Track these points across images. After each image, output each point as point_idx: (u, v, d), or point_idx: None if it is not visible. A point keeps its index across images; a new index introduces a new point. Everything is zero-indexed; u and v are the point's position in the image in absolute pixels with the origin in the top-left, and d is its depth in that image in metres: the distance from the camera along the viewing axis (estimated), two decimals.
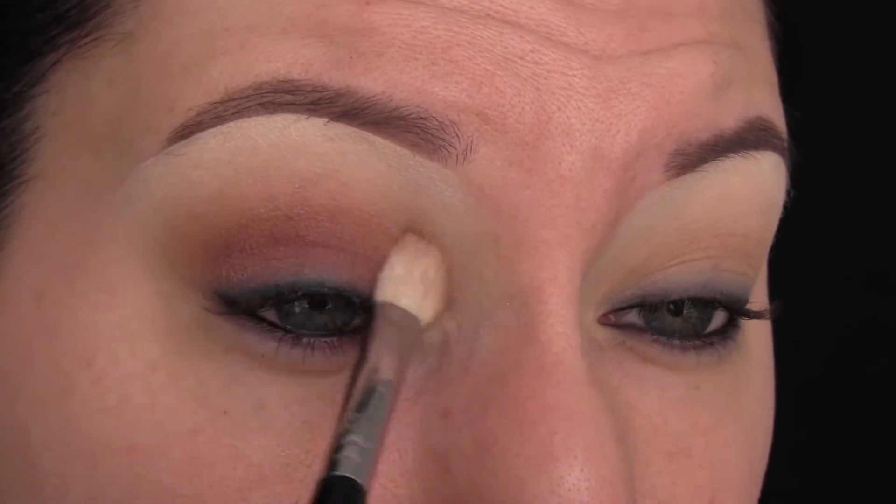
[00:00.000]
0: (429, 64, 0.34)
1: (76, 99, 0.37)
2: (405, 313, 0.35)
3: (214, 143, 0.35)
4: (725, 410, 0.40)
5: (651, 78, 0.36)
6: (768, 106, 0.39)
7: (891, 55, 0.71)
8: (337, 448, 0.33)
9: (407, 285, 0.35)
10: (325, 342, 0.35)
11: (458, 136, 0.34)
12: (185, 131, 0.35)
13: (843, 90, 0.70)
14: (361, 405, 0.34)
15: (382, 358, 0.34)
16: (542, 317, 0.35)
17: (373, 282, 0.35)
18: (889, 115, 0.71)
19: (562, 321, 0.35)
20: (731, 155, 0.38)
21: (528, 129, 0.35)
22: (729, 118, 0.37)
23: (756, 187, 0.39)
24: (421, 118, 0.34)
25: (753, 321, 0.42)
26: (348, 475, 0.32)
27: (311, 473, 0.35)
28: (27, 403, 0.37)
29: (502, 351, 0.35)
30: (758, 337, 0.43)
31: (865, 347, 0.72)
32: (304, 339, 0.35)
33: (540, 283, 0.35)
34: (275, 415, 0.35)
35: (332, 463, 0.33)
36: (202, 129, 0.35)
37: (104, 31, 0.36)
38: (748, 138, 0.38)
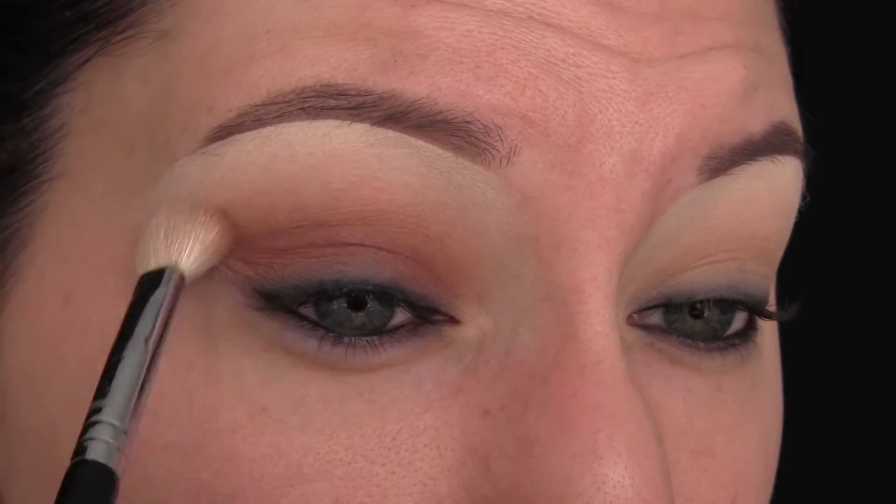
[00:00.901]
0: (473, 67, 0.34)
1: (106, 97, 0.37)
2: (153, 274, 0.34)
3: (252, 147, 0.34)
4: (745, 410, 0.41)
5: (687, 82, 0.36)
6: (789, 110, 0.40)
7: (892, 56, 0.72)
8: (84, 429, 0.32)
9: (146, 249, 0.35)
10: (366, 341, 0.35)
11: (501, 139, 0.34)
12: (224, 132, 0.35)
13: (843, 92, 0.71)
14: (105, 381, 0.33)
15: (130, 334, 0.33)
16: (582, 316, 0.35)
17: (414, 280, 0.35)
18: (888, 116, 0.72)
19: (601, 321, 0.35)
20: (759, 159, 0.38)
21: (571, 131, 0.35)
22: (756, 123, 0.38)
23: (779, 191, 0.39)
24: (466, 122, 0.34)
25: (765, 323, 0.42)
26: (97, 459, 0.31)
27: (351, 471, 0.35)
28: (58, 404, 0.37)
29: (542, 350, 0.35)
30: (769, 338, 0.43)
31: (866, 348, 0.73)
32: (346, 339, 0.35)
33: (579, 284, 0.35)
34: (315, 412, 0.35)
35: (79, 447, 0.31)
36: (241, 132, 0.34)
37: (139, 29, 0.36)
38: (774, 142, 0.39)
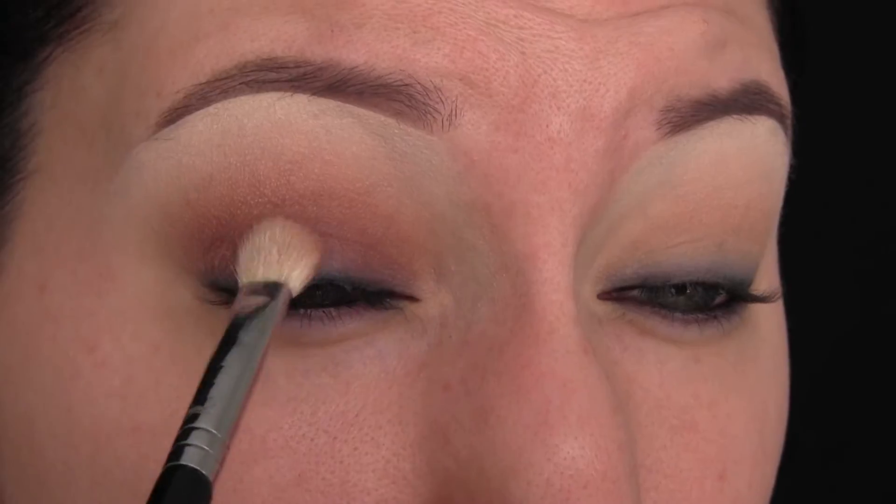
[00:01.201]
0: (410, 32, 0.34)
1: (70, 92, 0.37)
2: (266, 286, 0.34)
3: (203, 126, 0.35)
4: (729, 384, 0.39)
5: (639, 37, 0.36)
6: (765, 71, 0.39)
7: (893, 54, 0.71)
8: (182, 435, 0.32)
9: (255, 260, 0.34)
10: (322, 311, 0.35)
11: (441, 101, 0.34)
12: (174, 115, 0.35)
13: (850, 91, 0.70)
14: (205, 387, 0.32)
15: (233, 345, 0.33)
16: (538, 285, 0.35)
17: (364, 267, 0.35)
18: (888, 116, 0.71)
19: (556, 288, 0.35)
20: (726, 117, 0.37)
21: (514, 92, 0.35)
22: (722, 79, 0.37)
23: (753, 153, 0.38)
24: (404, 84, 0.34)
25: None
26: (193, 466, 0.31)
27: (314, 446, 0.35)
28: (33, 393, 0.37)
29: (499, 321, 0.35)
30: (769, 315, 0.42)
31: (865, 346, 0.72)
32: (301, 310, 0.35)
33: (534, 250, 0.35)
34: (279, 387, 0.35)
35: (176, 452, 0.31)
36: (190, 112, 0.35)
37: (93, 22, 0.37)
38: (743, 101, 0.38)
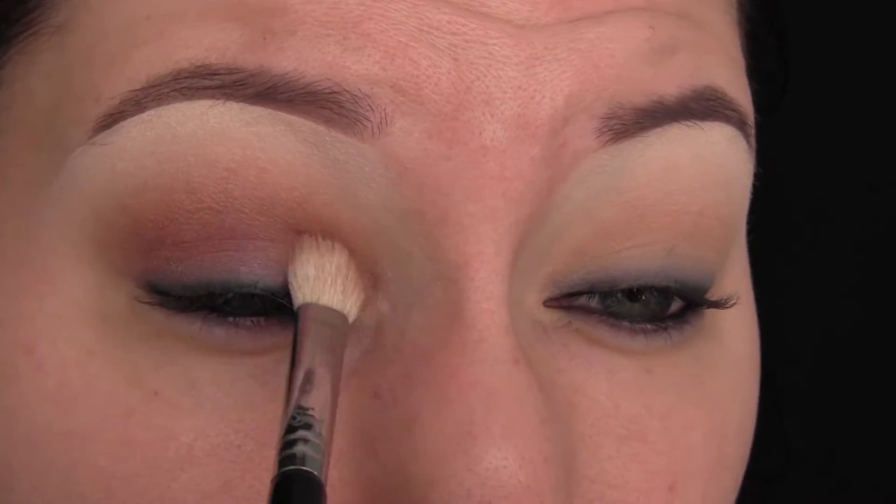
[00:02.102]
0: (341, 39, 0.34)
1: (21, 94, 0.38)
2: (331, 311, 0.35)
3: (136, 133, 0.35)
4: (685, 395, 0.39)
5: (578, 43, 0.35)
6: (723, 77, 0.38)
7: (891, 54, 0.70)
8: (287, 444, 0.32)
9: (323, 283, 0.35)
10: (251, 321, 0.35)
11: (371, 108, 0.34)
12: (109, 120, 0.35)
13: (850, 91, 0.69)
14: (302, 397, 0.33)
15: (316, 356, 0.34)
16: (468, 293, 0.34)
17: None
18: (887, 114, 0.70)
19: (487, 297, 0.34)
20: (674, 123, 0.36)
21: (446, 99, 0.34)
22: (670, 85, 0.36)
23: (709, 160, 0.38)
24: (333, 92, 0.34)
25: (730, 308, 0.40)
26: (306, 468, 0.32)
27: (241, 454, 0.35)
28: None
29: (431, 330, 0.35)
30: (734, 323, 0.41)
31: (865, 345, 0.70)
32: (229, 318, 0.35)
33: (466, 259, 0.34)
34: (206, 395, 0.35)
35: (289, 457, 0.32)
36: (124, 118, 0.35)
37: (41, 25, 0.37)
38: (694, 107, 0.37)
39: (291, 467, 0.32)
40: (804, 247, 0.63)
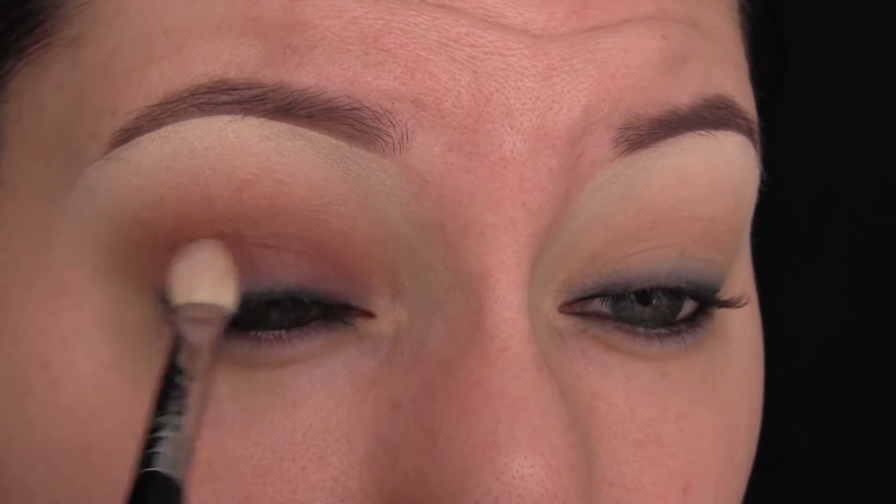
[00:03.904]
0: (361, 54, 0.34)
1: (30, 106, 0.37)
2: (202, 307, 0.34)
3: (153, 148, 0.35)
4: (698, 398, 0.39)
5: (594, 53, 0.35)
6: (730, 85, 0.38)
7: (890, 55, 0.70)
8: (147, 443, 0.32)
9: (196, 280, 0.34)
10: (273, 335, 0.35)
11: (393, 124, 0.34)
12: (126, 135, 0.35)
13: (850, 91, 0.69)
14: (163, 400, 0.33)
15: (184, 352, 0.33)
16: (490, 303, 0.34)
17: (321, 279, 0.35)
18: (887, 113, 0.70)
19: (509, 306, 0.34)
20: (688, 133, 0.37)
21: (466, 112, 0.34)
22: (683, 95, 0.37)
23: (721, 169, 0.38)
24: (354, 109, 0.34)
25: (737, 309, 0.41)
26: (163, 470, 0.31)
27: (260, 467, 0.35)
28: None
29: (452, 339, 0.35)
30: (740, 324, 0.42)
31: (864, 345, 0.71)
32: (252, 332, 0.35)
33: (487, 269, 0.35)
34: (225, 408, 0.35)
35: (145, 459, 0.31)
36: (141, 133, 0.35)
37: (53, 37, 0.37)
38: (706, 116, 0.37)
39: (150, 469, 0.31)
40: (803, 247, 0.63)
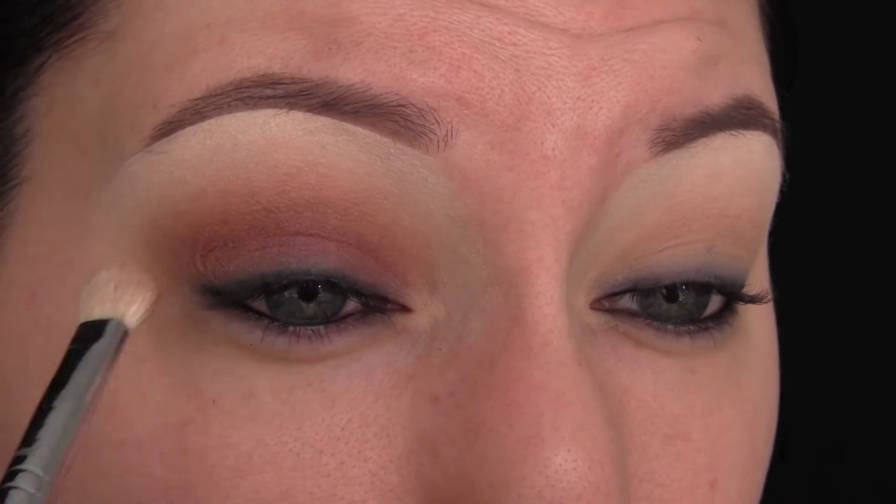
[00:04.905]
0: (406, 52, 0.34)
1: (64, 100, 0.37)
2: (94, 324, 0.34)
3: (195, 142, 0.35)
4: (723, 394, 0.40)
5: (633, 54, 0.36)
6: (757, 86, 0.39)
7: (891, 55, 0.71)
8: (7, 476, 0.31)
9: (93, 298, 0.35)
10: (311, 330, 0.35)
11: (437, 122, 0.34)
12: (167, 128, 0.35)
13: (850, 91, 0.70)
14: (33, 428, 0.32)
15: (67, 372, 0.33)
16: (530, 298, 0.35)
17: (359, 268, 0.35)
18: (884, 116, 0.71)
19: (549, 302, 0.35)
20: (719, 133, 0.37)
21: (509, 110, 0.35)
22: (715, 95, 0.37)
23: (748, 167, 0.39)
24: (400, 105, 0.34)
25: (755, 306, 0.41)
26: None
27: (300, 462, 0.35)
28: (22, 403, 0.37)
29: (491, 334, 0.35)
30: (759, 322, 0.42)
31: (864, 346, 0.72)
32: (290, 328, 0.35)
33: (527, 265, 0.35)
34: (264, 403, 0.35)
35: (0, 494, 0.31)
36: (183, 127, 0.35)
37: (89, 31, 0.37)
38: (736, 116, 0.38)
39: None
40: (803, 247, 0.64)
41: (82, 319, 0.34)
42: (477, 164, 0.35)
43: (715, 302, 0.40)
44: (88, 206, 0.37)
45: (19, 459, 0.31)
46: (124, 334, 0.34)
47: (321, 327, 0.35)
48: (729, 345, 0.40)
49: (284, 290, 0.35)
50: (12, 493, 0.31)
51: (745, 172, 0.38)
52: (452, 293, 0.36)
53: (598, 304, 0.38)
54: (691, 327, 0.39)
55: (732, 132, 0.38)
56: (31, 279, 0.38)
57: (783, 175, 0.41)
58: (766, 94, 0.39)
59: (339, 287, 0.35)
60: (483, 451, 0.34)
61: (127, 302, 0.35)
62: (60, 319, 0.37)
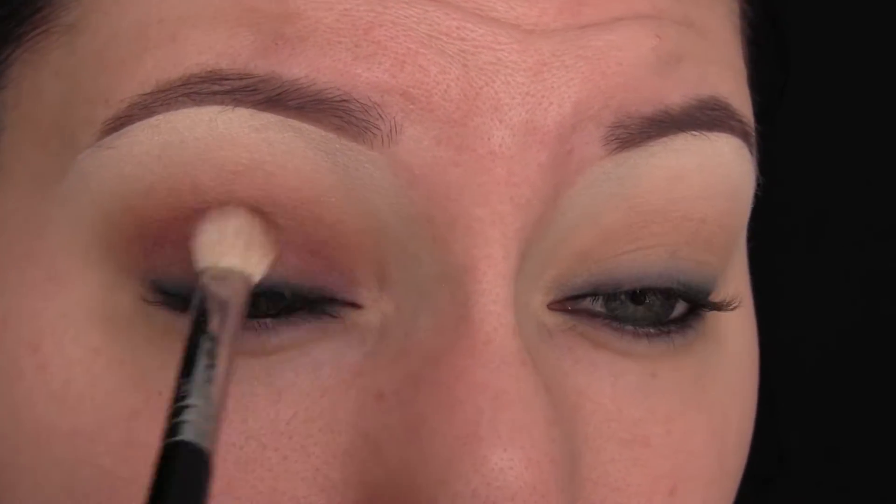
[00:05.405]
0: (352, 46, 0.34)
1: (28, 93, 0.38)
2: (230, 271, 0.34)
3: (144, 137, 0.35)
4: (688, 400, 0.39)
5: (586, 50, 0.35)
6: (726, 87, 0.38)
7: (891, 55, 0.70)
8: (174, 413, 0.32)
9: (224, 245, 0.34)
10: (257, 322, 0.35)
11: (381, 117, 0.34)
12: (117, 123, 0.35)
13: (850, 91, 0.69)
14: (189, 367, 0.32)
15: (210, 317, 0.33)
16: (476, 296, 0.35)
17: (306, 274, 0.35)
18: (884, 116, 0.70)
19: (495, 300, 0.35)
20: (680, 133, 0.37)
21: (455, 105, 0.34)
22: (675, 94, 0.36)
23: (714, 171, 0.38)
24: (343, 101, 0.34)
25: (731, 312, 0.41)
26: (191, 440, 0.31)
27: (242, 455, 0.35)
28: None
29: (438, 331, 0.35)
30: (735, 328, 0.42)
31: (864, 346, 0.71)
32: None
33: (474, 262, 0.35)
34: None
35: (172, 428, 0.31)
36: (132, 122, 0.35)
37: (51, 24, 0.37)
38: (699, 117, 0.37)
39: (178, 438, 0.31)
40: (801, 249, 0.63)
41: (210, 264, 0.34)
42: (423, 159, 0.34)
43: (682, 305, 0.39)
44: (47, 198, 0.37)
45: (182, 396, 0.32)
46: (250, 288, 0.34)
47: (269, 320, 0.35)
48: (695, 349, 0.39)
49: None
50: (184, 426, 0.31)
51: (710, 176, 0.38)
52: (402, 290, 0.36)
53: (558, 305, 0.38)
54: (651, 330, 0.38)
55: (694, 133, 0.37)
56: None
57: (758, 179, 0.41)
58: (736, 97, 0.39)
59: (280, 295, 0.35)
60: (423, 448, 0.34)
61: (256, 259, 0.35)
62: (17, 310, 0.37)
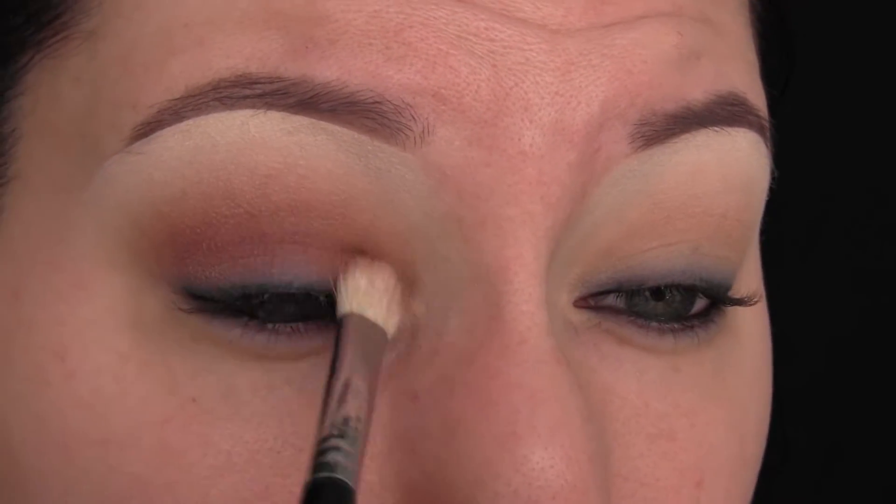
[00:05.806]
0: (383, 48, 0.34)
1: (48, 99, 0.37)
2: (373, 325, 0.35)
3: (174, 142, 0.35)
4: (709, 393, 0.39)
5: (612, 49, 0.35)
6: (742, 82, 0.39)
7: (891, 55, 0.71)
8: (321, 452, 0.32)
9: (371, 297, 0.35)
10: (290, 327, 0.35)
11: (414, 118, 0.34)
12: (146, 129, 0.35)
13: (850, 91, 0.70)
14: (338, 401, 0.33)
15: (356, 365, 0.34)
16: (508, 296, 0.35)
17: (336, 275, 0.35)
18: (885, 116, 0.71)
19: (527, 299, 0.35)
20: (702, 129, 0.37)
21: (486, 106, 0.34)
22: (696, 91, 0.37)
23: (733, 165, 0.38)
24: (376, 102, 0.34)
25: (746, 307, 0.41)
26: (338, 476, 0.32)
27: (280, 460, 0.35)
28: (7, 400, 0.38)
29: (469, 332, 0.35)
30: (750, 321, 0.42)
31: (864, 346, 0.72)
32: (269, 325, 0.35)
33: (505, 262, 0.35)
34: (243, 401, 0.35)
35: (322, 465, 0.32)
36: (162, 127, 0.35)
37: (71, 30, 0.37)
38: (719, 113, 0.37)
39: (324, 474, 0.32)
40: (803, 248, 0.64)
41: (356, 311, 0.35)
42: (454, 160, 0.35)
43: (702, 300, 0.39)
44: (71, 204, 0.37)
45: (331, 437, 0.32)
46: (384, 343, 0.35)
47: (300, 324, 0.35)
48: (716, 343, 0.40)
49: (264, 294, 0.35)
50: (333, 459, 0.32)
51: (729, 170, 0.38)
52: (433, 291, 0.36)
53: (582, 302, 0.38)
54: (675, 325, 0.38)
55: (716, 129, 0.37)
56: (15, 278, 0.38)
57: (772, 173, 0.41)
58: (752, 92, 0.39)
59: (315, 298, 0.35)
60: (460, 448, 0.34)
61: (393, 315, 0.35)
62: (42, 317, 0.37)
